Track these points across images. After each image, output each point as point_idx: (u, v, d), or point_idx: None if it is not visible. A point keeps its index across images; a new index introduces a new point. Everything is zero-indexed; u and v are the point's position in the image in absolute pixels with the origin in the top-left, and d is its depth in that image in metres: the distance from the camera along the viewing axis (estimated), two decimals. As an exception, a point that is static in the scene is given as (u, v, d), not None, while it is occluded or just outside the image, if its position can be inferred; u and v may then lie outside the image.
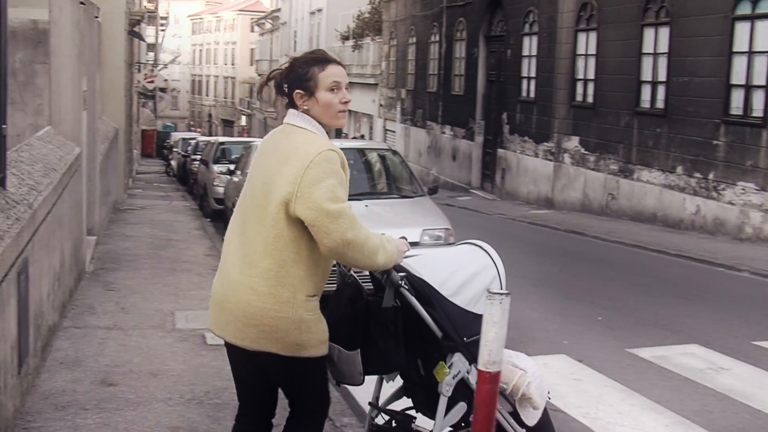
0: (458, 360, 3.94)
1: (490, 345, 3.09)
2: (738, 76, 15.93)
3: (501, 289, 4.02)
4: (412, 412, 4.36)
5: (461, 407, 4.03)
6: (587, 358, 7.84)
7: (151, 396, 6.37)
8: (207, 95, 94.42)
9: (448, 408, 3.96)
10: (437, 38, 31.25)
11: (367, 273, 4.10)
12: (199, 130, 76.26)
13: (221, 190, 19.04)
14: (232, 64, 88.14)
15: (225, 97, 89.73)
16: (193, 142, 34.89)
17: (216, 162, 21.98)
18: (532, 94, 23.80)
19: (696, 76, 16.99)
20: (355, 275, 4.09)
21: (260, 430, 4.13)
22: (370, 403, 4.45)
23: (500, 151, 25.58)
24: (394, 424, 4.34)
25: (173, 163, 40.66)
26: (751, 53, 15.59)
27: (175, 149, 41.81)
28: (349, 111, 42.67)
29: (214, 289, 3.96)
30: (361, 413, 6.34)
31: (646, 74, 18.78)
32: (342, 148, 12.14)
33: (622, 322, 9.33)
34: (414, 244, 9.59)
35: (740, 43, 15.87)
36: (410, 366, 4.09)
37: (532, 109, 23.68)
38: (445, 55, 30.27)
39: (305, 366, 3.84)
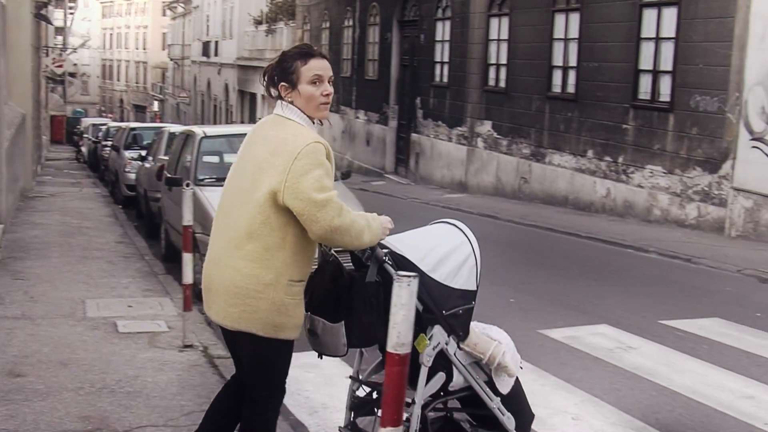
0: (438, 332, 4.14)
1: (398, 327, 3.09)
2: (646, 61, 16.24)
3: (476, 265, 4.31)
4: None
5: (440, 377, 4.24)
6: (500, 339, 7.92)
7: (61, 386, 6.27)
8: (118, 80, 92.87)
9: (429, 378, 4.15)
10: (351, 23, 31.20)
11: (347, 251, 4.24)
12: (110, 115, 75.05)
13: (133, 176, 18.80)
14: (144, 49, 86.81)
15: (137, 82, 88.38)
16: (104, 127, 34.35)
17: (127, 148, 21.71)
18: (446, 79, 23.91)
19: (605, 62, 17.26)
20: (335, 253, 4.23)
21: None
22: (351, 377, 4.61)
23: (414, 135, 25.66)
24: (375, 396, 4.50)
25: (84, 149, 40.04)
26: (658, 39, 15.90)
27: (85, 135, 41.15)
28: (263, 96, 42.33)
29: (203, 272, 4.21)
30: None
31: (557, 59, 19.02)
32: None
33: (534, 304, 9.46)
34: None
35: (648, 29, 16.17)
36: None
37: (446, 93, 23.80)
38: (359, 40, 30.25)
39: (278, 348, 4.05)
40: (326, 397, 6.33)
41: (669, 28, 15.62)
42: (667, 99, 15.68)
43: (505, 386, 4.46)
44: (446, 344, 4.19)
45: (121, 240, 13.40)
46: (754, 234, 13.90)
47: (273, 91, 4.15)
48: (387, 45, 27.73)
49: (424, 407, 4.26)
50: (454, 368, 4.29)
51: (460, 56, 22.86)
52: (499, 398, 4.44)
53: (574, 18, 18.37)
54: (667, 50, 15.68)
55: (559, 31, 18.95)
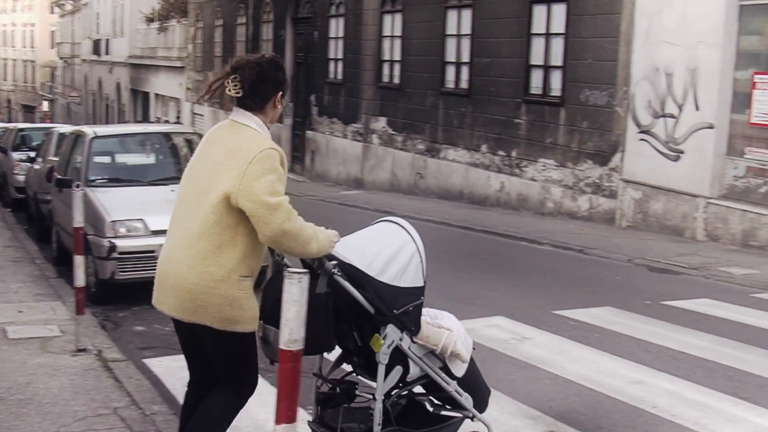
0: (391, 330, 4.39)
1: (290, 324, 3.10)
2: (536, 57, 16.53)
3: (421, 262, 4.54)
4: (353, 377, 4.87)
5: (398, 370, 4.50)
6: (397, 334, 7.97)
7: (-53, 396, 6.10)
8: (5, 80, 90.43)
9: (387, 372, 4.43)
10: (244, 20, 30.97)
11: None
12: (-3, 116, 73.05)
13: (22, 178, 18.36)
14: (32, 47, 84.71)
15: (25, 82, 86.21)
16: (-10, 129, 33.39)
17: (15, 149, 21.10)
18: (340, 76, 23.93)
19: (497, 57, 17.50)
20: (288, 263, 4.33)
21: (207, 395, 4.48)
22: (314, 374, 4.83)
23: (309, 132, 25.62)
24: (338, 390, 4.78)
25: (-31, 151, 38.84)
26: (548, 35, 16.20)
27: (-29, 137, 39.92)
28: (156, 95, 41.72)
29: (157, 267, 4.37)
30: (172, 400, 6.27)
31: (451, 55, 19.20)
32: (148, 133, 11.93)
33: (429, 298, 9.46)
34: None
35: (538, 25, 16.46)
36: (347, 338, 4.54)
37: (340, 90, 23.81)
38: (253, 38, 30.03)
39: (236, 339, 4.23)
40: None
41: (559, 24, 15.93)
42: (558, 93, 15.98)
43: (459, 370, 4.72)
44: (400, 340, 4.43)
45: (10, 244, 13.08)
46: (644, 224, 14.27)
47: (257, 98, 4.29)
48: (281, 42, 27.60)
49: (384, 399, 4.49)
50: (410, 361, 4.53)
51: (354, 53, 22.89)
52: (455, 381, 4.70)
53: (466, 14, 18.56)
54: (557, 46, 15.98)
55: (451, 28, 19.12)
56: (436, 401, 4.91)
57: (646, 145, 14.18)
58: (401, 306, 4.43)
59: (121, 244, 9.36)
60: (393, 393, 4.63)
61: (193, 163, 4.38)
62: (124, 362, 7.09)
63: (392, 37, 21.55)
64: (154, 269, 8.74)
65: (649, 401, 6.28)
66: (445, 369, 4.68)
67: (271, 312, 4.31)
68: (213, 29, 34.25)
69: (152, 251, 9.31)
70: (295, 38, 27.03)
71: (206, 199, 4.11)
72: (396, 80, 21.43)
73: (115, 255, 9.34)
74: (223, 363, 4.33)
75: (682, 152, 13.56)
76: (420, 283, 4.56)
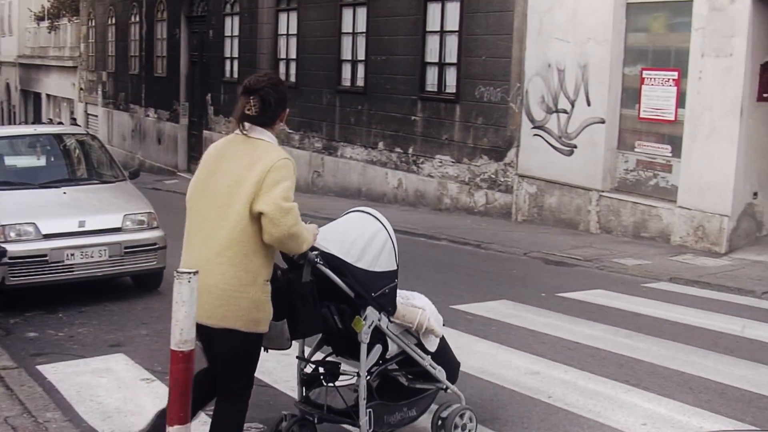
0: (370, 312, 4.86)
1: (180, 324, 3.07)
2: (431, 54, 16.66)
3: (393, 248, 4.98)
4: (333, 358, 5.26)
5: (378, 349, 4.99)
6: (296, 332, 7.94)
7: None
8: None
9: (368, 351, 4.89)
10: (137, 19, 30.48)
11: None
12: None
13: None
14: None
15: None
16: None
17: None
18: (236, 75, 23.72)
19: (393, 55, 17.58)
20: None
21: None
22: (297, 357, 5.27)
23: (206, 132, 25.34)
24: (321, 370, 5.18)
25: None
26: (443, 33, 16.34)
27: None
28: (47, 96, 40.70)
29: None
30: (66, 406, 6.15)
31: (346, 53, 19.22)
32: (38, 134, 11.55)
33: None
34: (116, 230, 9.41)
35: (432, 22, 16.59)
36: (328, 322, 4.95)
37: (236, 89, 23.49)
38: (146, 37, 29.59)
39: (254, 341, 4.57)
40: (120, 402, 6.20)
41: (453, 22, 16.08)
42: (453, 90, 16.15)
43: (432, 345, 5.24)
44: (379, 320, 4.91)
45: None
46: (539, 218, 14.52)
47: (272, 116, 4.63)
48: (175, 41, 27.26)
49: (366, 376, 4.94)
50: (388, 339, 5.02)
51: (249, 52, 22.74)
52: (429, 356, 5.23)
53: (361, 12, 18.60)
54: (452, 43, 16.14)
55: (347, 26, 19.14)
56: (410, 375, 5.33)
57: (540, 140, 14.43)
58: (378, 289, 4.87)
59: (12, 248, 9.11)
60: (374, 370, 5.07)
61: (207, 178, 4.62)
62: (16, 370, 6.91)
63: (288, 35, 21.45)
64: (47, 274, 8.58)
65: (544, 391, 6.41)
66: (420, 345, 5.19)
67: None
68: (106, 28, 33.63)
69: (44, 255, 9.12)
70: (190, 37, 26.72)
71: (231, 210, 4.43)
72: (292, 78, 21.33)
73: (5, 260, 9.09)
74: (234, 364, 4.59)
75: (575, 147, 13.84)
76: (393, 267, 4.97)
